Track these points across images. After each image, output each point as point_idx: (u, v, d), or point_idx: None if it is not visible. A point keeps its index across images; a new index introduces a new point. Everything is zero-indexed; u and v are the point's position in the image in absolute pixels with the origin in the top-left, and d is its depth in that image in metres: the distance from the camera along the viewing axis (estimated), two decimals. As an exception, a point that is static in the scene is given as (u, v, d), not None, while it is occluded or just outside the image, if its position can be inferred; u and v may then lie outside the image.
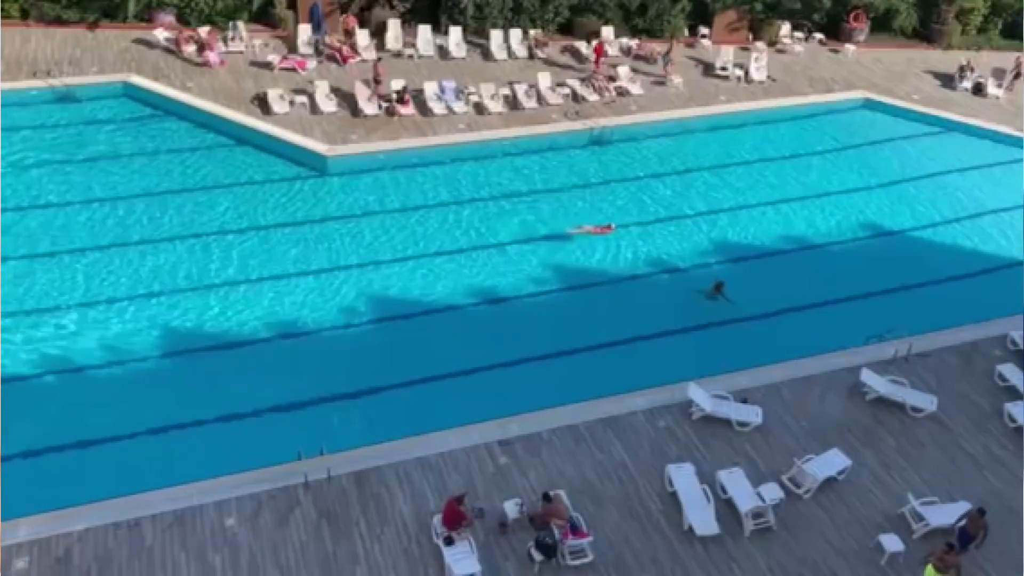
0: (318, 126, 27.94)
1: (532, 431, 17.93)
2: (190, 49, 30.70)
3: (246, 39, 31.68)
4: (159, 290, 21.35)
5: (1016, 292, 23.71)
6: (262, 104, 28.49)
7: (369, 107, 28.68)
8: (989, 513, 16.74)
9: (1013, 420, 19.01)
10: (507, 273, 23.20)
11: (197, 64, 30.29)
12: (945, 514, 16.50)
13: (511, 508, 15.91)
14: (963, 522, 15.89)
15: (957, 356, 20.98)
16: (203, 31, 31.23)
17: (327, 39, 32.08)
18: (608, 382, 19.27)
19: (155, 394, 18.55)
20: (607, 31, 34.77)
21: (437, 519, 15.59)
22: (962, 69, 34.82)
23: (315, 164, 26.50)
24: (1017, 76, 34.11)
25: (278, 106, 28.19)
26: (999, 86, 34.14)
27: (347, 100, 29.19)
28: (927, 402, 19.20)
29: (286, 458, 16.41)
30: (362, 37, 32.55)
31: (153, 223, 23.53)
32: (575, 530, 15.51)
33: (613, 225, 24.62)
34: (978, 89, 34.14)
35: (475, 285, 22.69)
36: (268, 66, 30.56)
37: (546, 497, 15.63)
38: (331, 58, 31.63)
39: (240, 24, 31.92)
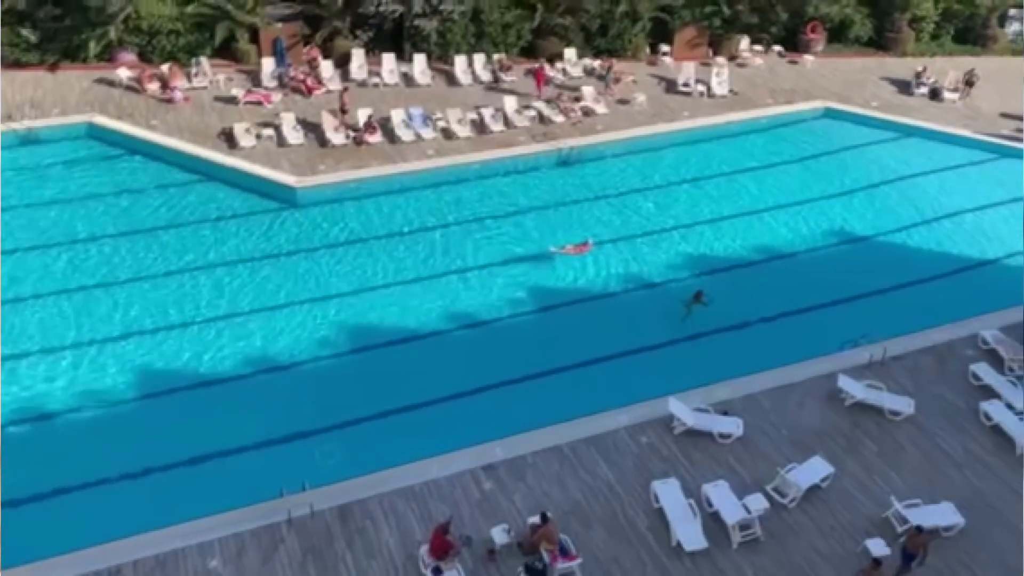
0: (286, 158, 27.88)
1: (516, 454, 17.85)
2: (153, 87, 30.58)
3: (210, 74, 31.61)
4: (131, 331, 21.09)
5: (984, 291, 24.16)
6: (228, 139, 28.39)
7: (336, 137, 28.68)
8: (972, 512, 16.98)
9: (989, 419, 19.25)
10: (483, 296, 23.19)
11: (161, 101, 30.17)
12: (928, 515, 16.62)
13: (499, 534, 15.80)
14: (903, 539, 15.71)
15: (931, 358, 21.24)
16: (166, 68, 31.12)
17: (291, 71, 32.12)
18: (590, 400, 19.26)
19: (129, 437, 18.26)
20: (569, 52, 35.13)
21: (424, 549, 15.43)
22: (918, 75, 35.56)
23: (284, 196, 26.41)
24: (968, 84, 34.83)
25: (245, 140, 28.10)
26: (954, 91, 34.86)
27: (314, 131, 29.18)
28: (904, 405, 19.39)
29: (268, 495, 16.21)
30: (326, 68, 32.63)
31: (123, 263, 23.30)
32: (564, 553, 15.43)
33: (591, 242, 24.75)
34: (935, 94, 34.86)
35: (452, 310, 22.65)
36: (233, 100, 30.49)
37: (544, 518, 15.55)
38: (296, 90, 31.63)
39: (203, 60, 31.87)
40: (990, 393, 19.92)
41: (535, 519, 15.79)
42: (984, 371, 20.47)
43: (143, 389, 19.54)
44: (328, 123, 29.12)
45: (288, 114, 29.53)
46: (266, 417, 18.97)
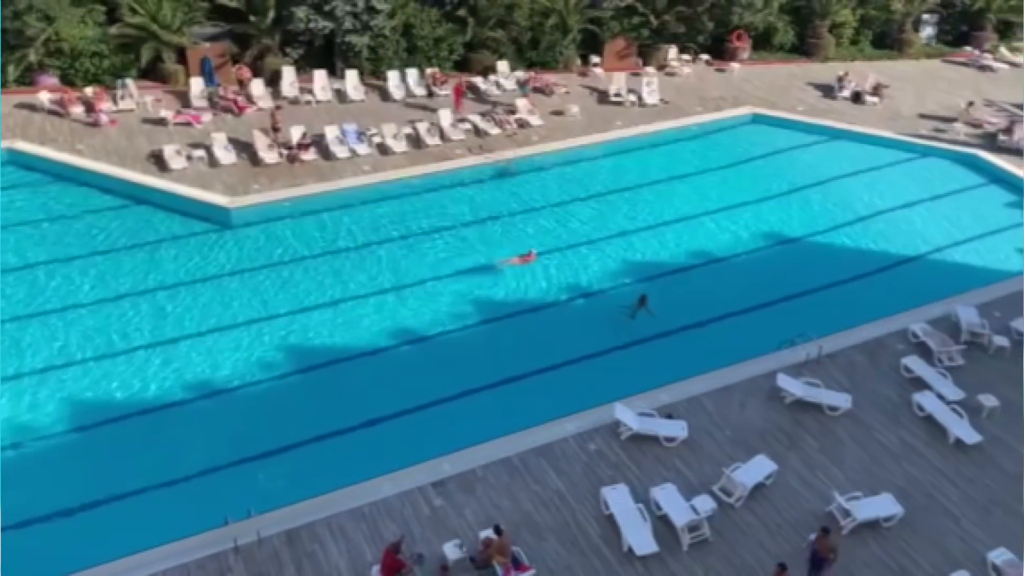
0: (218, 179, 27.41)
1: (465, 468, 17.79)
2: (77, 110, 29.79)
3: (136, 96, 30.95)
4: (65, 361, 20.43)
5: (912, 286, 25.00)
6: (158, 161, 27.80)
7: (270, 156, 28.33)
8: (910, 500, 17.51)
9: (922, 409, 19.90)
10: (427, 311, 23.10)
11: (87, 125, 29.40)
12: (870, 508, 17.09)
13: (451, 550, 15.71)
14: (813, 545, 15.53)
15: (864, 353, 21.87)
16: (90, 91, 30.33)
17: (221, 91, 31.62)
18: (538, 410, 19.31)
19: (65, 471, 17.66)
20: (502, 65, 35.36)
21: (375, 570, 15.25)
22: (840, 79, 36.71)
23: (218, 217, 25.95)
24: (875, 91, 36.05)
25: (175, 162, 27.56)
26: (874, 94, 36.08)
27: (246, 150, 28.77)
28: (842, 400, 19.92)
29: (213, 524, 15.84)
30: (257, 86, 32.23)
31: (54, 291, 22.59)
32: (517, 565, 15.42)
33: (534, 252, 24.87)
34: (856, 97, 36.02)
35: (395, 327, 22.50)
36: (162, 122, 29.88)
37: (496, 530, 15.51)
38: (226, 109, 31.15)
39: (129, 81, 31.19)
40: (921, 385, 20.59)
41: (487, 533, 15.75)
42: (915, 364, 21.15)
43: (78, 421, 18.92)
44: (260, 142, 28.74)
45: (219, 134, 29.06)
46: (208, 443, 18.55)
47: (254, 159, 28.38)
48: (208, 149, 28.43)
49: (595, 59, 36.95)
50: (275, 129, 29.12)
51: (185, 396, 19.87)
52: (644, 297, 22.81)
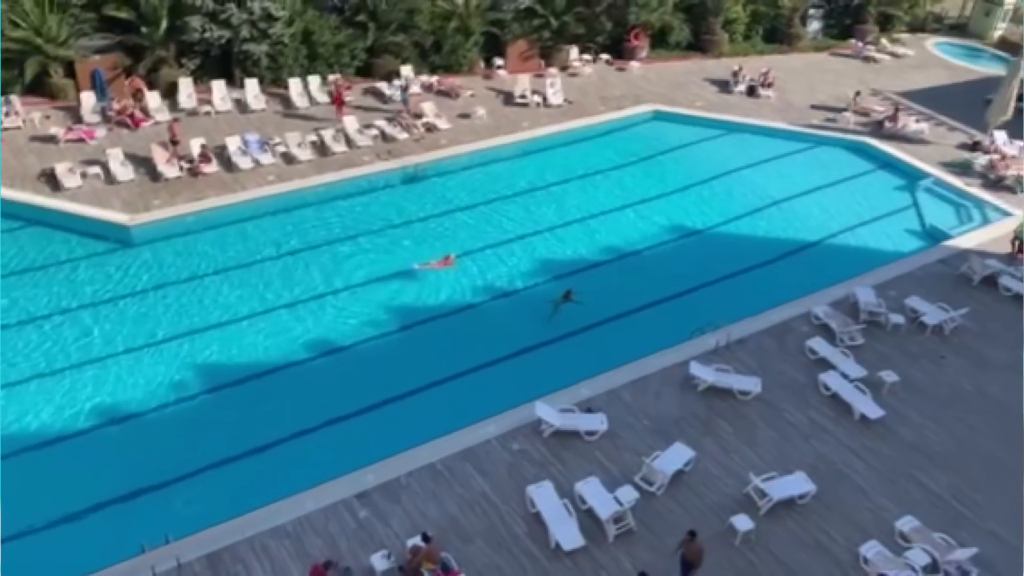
0: (116, 196, 26.44)
1: (389, 478, 17.66)
2: (-43, 130, 28.27)
3: (23, 113, 29.56)
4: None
5: (813, 270, 26.02)
6: (50, 180, 26.65)
7: (169, 170, 27.48)
8: (821, 477, 18.23)
9: (828, 389, 20.74)
10: (341, 321, 22.81)
11: (-32, 145, 27.92)
12: (785, 487, 17.73)
13: (379, 561, 15.58)
14: (680, 548, 15.74)
15: (771, 337, 22.66)
16: (-30, 110, 28.87)
17: (114, 104, 30.50)
18: (461, 414, 19.32)
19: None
20: (406, 70, 35.18)
21: (303, 586, 15.02)
22: (735, 74, 37.87)
23: (118, 236, 25.06)
24: (767, 84, 37.38)
25: (69, 180, 26.46)
26: (767, 86, 37.38)
27: (144, 165, 27.84)
28: (752, 384, 20.60)
29: (128, 553, 15.31)
30: (152, 99, 31.22)
31: (-62, 323, 21.40)
32: (447, 571, 15.41)
33: (452, 256, 24.83)
34: (751, 91, 37.23)
35: (310, 338, 22.14)
36: (52, 139, 28.64)
37: (425, 538, 15.44)
38: (121, 124, 30.07)
39: (13, 98, 29.78)
40: (826, 365, 21.46)
41: (415, 540, 15.68)
42: (819, 345, 22.04)
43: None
44: (159, 156, 27.85)
45: (115, 149, 28.03)
46: (118, 470, 17.88)
47: (153, 174, 27.48)
48: (104, 165, 27.39)
49: (499, 61, 37.14)
50: (174, 142, 28.26)
51: (93, 422, 19.12)
52: (569, 292, 23.11)
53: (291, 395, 20.29)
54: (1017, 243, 26.47)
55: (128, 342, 21.40)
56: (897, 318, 23.25)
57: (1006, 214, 29.26)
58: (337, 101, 31.76)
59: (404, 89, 32.91)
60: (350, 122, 30.95)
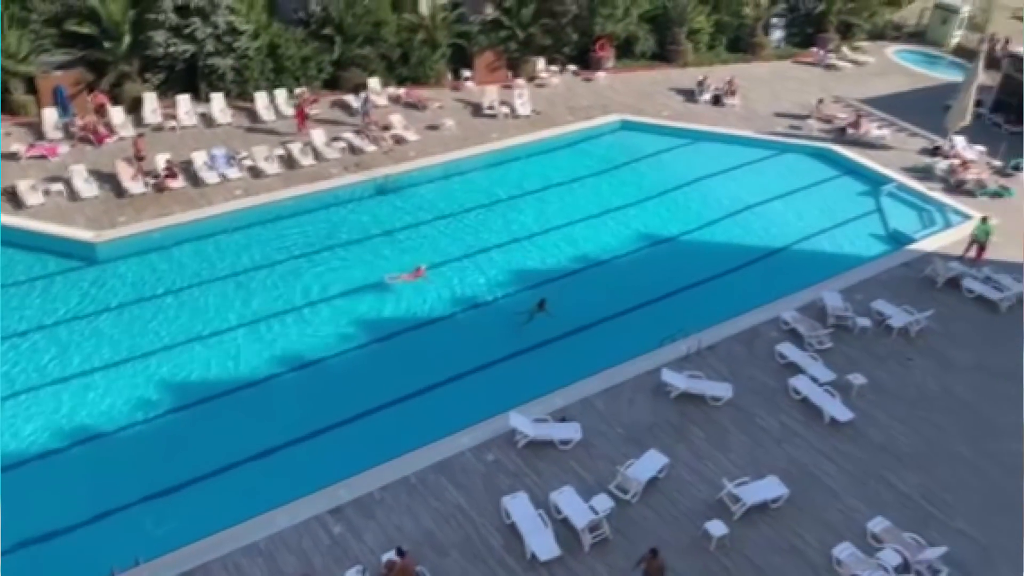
0: (80, 213, 26.08)
1: (363, 492, 17.54)
2: (-85, 148, 27.74)
3: (-18, 130, 29.09)
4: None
5: (781, 276, 26.31)
6: (12, 198, 26.22)
7: (135, 186, 27.17)
8: (793, 481, 18.38)
9: (798, 393, 20.96)
10: (311, 335, 22.65)
11: (-74, 163, 27.40)
12: (758, 491, 17.87)
13: (354, 576, 15.47)
14: (642, 565, 15.69)
15: (741, 343, 22.86)
16: (-72, 127, 28.35)
17: (77, 120, 30.11)
18: (435, 426, 19.25)
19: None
20: (373, 82, 35.14)
21: (277, 605, 14.85)
22: (700, 84, 38.26)
23: (83, 254, 24.70)
24: (731, 93, 37.83)
25: (31, 198, 26.07)
26: (732, 95, 37.81)
27: (109, 181, 27.50)
28: (723, 390, 20.75)
29: (98, 577, 15.03)
30: (116, 114, 30.86)
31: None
32: (422, 583, 15.31)
33: (423, 268, 24.78)
34: (716, 100, 37.64)
35: (282, 353, 21.95)
36: (14, 156, 28.19)
37: (400, 552, 15.33)
38: (85, 140, 29.68)
39: (-27, 115, 29.29)
40: (795, 369, 21.69)
41: (390, 555, 15.58)
42: (788, 350, 22.27)
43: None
44: (124, 172, 27.52)
45: (78, 166, 27.66)
46: (87, 492, 17.57)
47: (118, 190, 27.15)
48: (67, 182, 27.02)
49: (466, 73, 37.21)
50: (139, 158, 27.94)
51: (59, 443, 18.77)
52: (543, 301, 23.18)
53: (263, 411, 20.09)
54: (976, 246, 26.95)
55: (95, 361, 21.08)
56: (864, 321, 23.58)
57: (967, 217, 29.80)
58: (299, 115, 31.58)
59: (364, 101, 32.83)
60: (318, 135, 30.83)
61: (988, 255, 26.94)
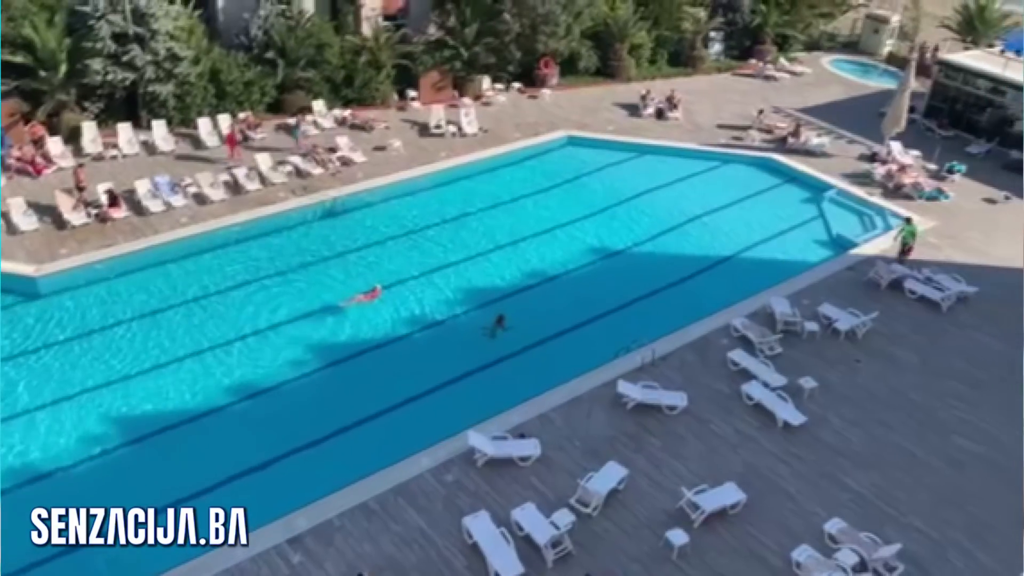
0: (20, 247, 25.43)
1: (321, 520, 17.30)
2: None
3: (-87, 165, 28.24)
4: None
5: (731, 283, 26.73)
6: (-54, 233, 25.49)
7: (76, 217, 26.59)
8: (750, 486, 18.61)
9: (751, 398, 21.27)
10: (264, 362, 22.32)
11: None
12: (716, 498, 18.04)
13: (315, 605, 15.22)
14: None
15: (693, 351, 23.14)
16: None
17: (14, 152, 29.40)
18: (392, 449, 19.08)
19: None
20: (318, 105, 34.98)
21: (238, 639, 14.54)
22: (643, 98, 38.85)
23: (23, 288, 24.05)
24: (674, 106, 38.48)
25: (-34, 233, 25.35)
26: (675, 108, 38.44)
27: (49, 213, 26.88)
28: (678, 399, 20.96)
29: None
30: (55, 145, 30.22)
31: None
32: (386, 609, 15.13)
33: (379, 288, 24.61)
34: (660, 114, 38.23)
35: (231, 383, 21.59)
36: (-54, 191, 27.43)
37: (359, 578, 15.21)
38: (22, 172, 29.00)
39: (-98, 149, 28.41)
40: (748, 375, 22.01)
41: (351, 581, 15.38)
42: (740, 356, 22.60)
43: None
44: (64, 203, 26.92)
45: (16, 199, 26.98)
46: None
47: (59, 222, 26.54)
48: (5, 216, 26.34)
49: (412, 93, 37.25)
50: (80, 188, 27.38)
51: (7, 484, 18.15)
52: (501, 317, 23.18)
53: (212, 443, 19.70)
54: (903, 246, 27.68)
55: (36, 399, 20.48)
56: (812, 326, 24.05)
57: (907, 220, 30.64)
58: (230, 141, 31.13)
59: (296, 126, 32.43)
60: (263, 159, 30.53)
61: (926, 256, 27.81)
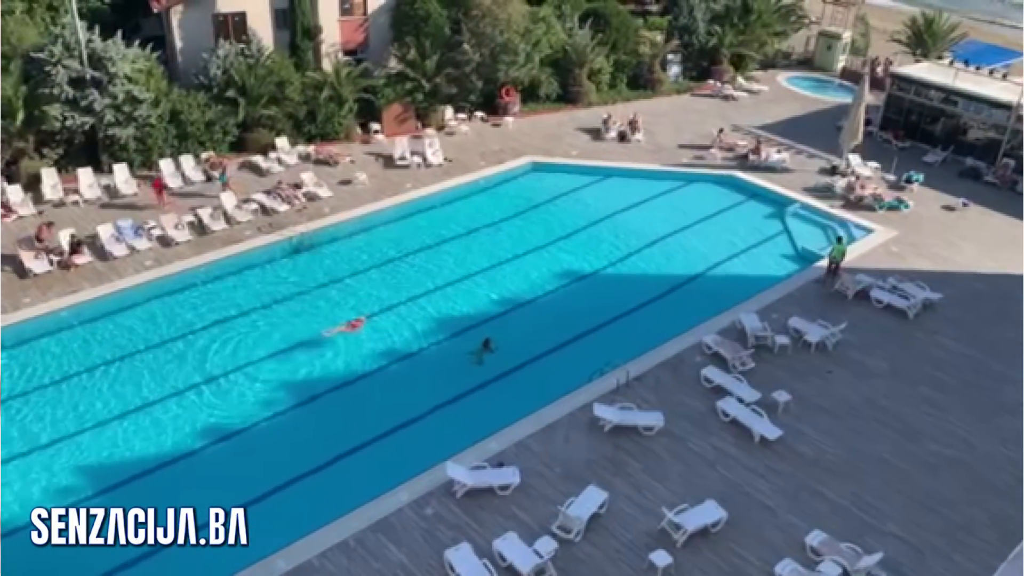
0: (-20, 297, 24.99)
1: (301, 561, 17.03)
2: None
3: None
4: None
5: (699, 301, 26.91)
6: (-96, 288, 24.96)
7: (38, 265, 26.19)
8: (730, 502, 18.64)
9: (726, 415, 21.36)
10: (238, 402, 22.02)
11: None
12: (697, 517, 18.03)
13: (297, 648, 14.93)
14: None
15: (667, 370, 23.23)
16: None
17: (-29, 202, 28.97)
18: (370, 484, 18.87)
19: None
20: (281, 141, 34.91)
21: None
22: (605, 122, 39.26)
23: (-14, 339, 23.60)
24: (635, 129, 38.94)
25: (-75, 286, 24.84)
26: (637, 131, 38.87)
27: (10, 263, 26.46)
28: (655, 419, 21.00)
29: None
30: (14, 192, 29.79)
31: None
32: (370, 648, 14.88)
33: (363, 318, 24.56)
34: (622, 136, 38.63)
35: (206, 424, 21.26)
36: (-98, 244, 26.90)
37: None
38: (-20, 221, 28.55)
39: None
40: (722, 392, 22.13)
41: (334, 622, 15.12)
42: (713, 373, 22.73)
43: None
44: (25, 252, 26.52)
45: (-25, 249, 26.58)
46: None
47: (20, 271, 26.12)
48: (-36, 267, 25.92)
49: (375, 126, 37.32)
50: (39, 239, 26.96)
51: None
52: (487, 340, 23.25)
53: (189, 486, 19.33)
54: (831, 263, 27.90)
55: (7, 450, 20.01)
56: (783, 339, 24.26)
57: (868, 231, 31.21)
58: (156, 187, 30.50)
59: (222, 173, 31.45)
60: (228, 199, 30.34)
61: (891, 265, 28.38)
